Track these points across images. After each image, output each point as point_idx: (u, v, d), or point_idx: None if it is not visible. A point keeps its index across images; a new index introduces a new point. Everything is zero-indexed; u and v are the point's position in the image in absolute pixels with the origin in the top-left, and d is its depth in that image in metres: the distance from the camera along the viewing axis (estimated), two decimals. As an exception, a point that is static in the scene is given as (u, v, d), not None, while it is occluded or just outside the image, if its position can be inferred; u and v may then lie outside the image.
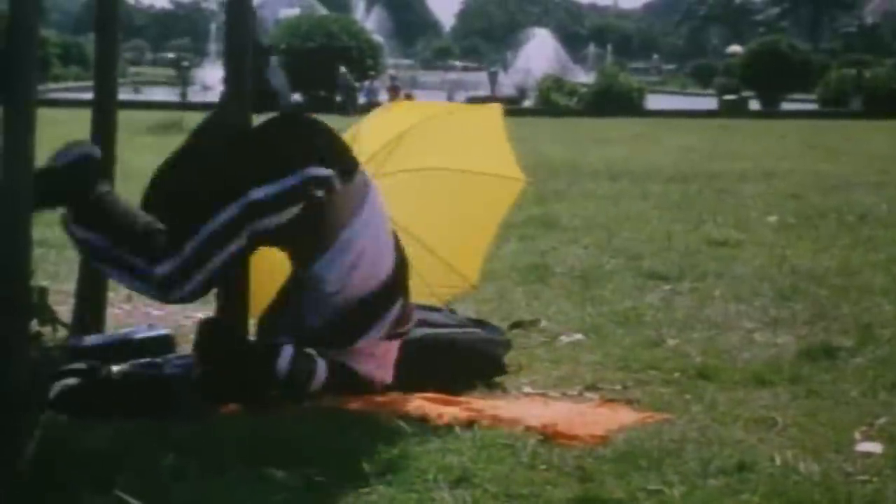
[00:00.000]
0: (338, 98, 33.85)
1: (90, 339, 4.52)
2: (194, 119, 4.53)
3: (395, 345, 4.38)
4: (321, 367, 4.17)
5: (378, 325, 4.28)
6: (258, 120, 4.35)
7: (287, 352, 4.14)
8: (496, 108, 5.49)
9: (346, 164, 4.26)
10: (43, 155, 3.46)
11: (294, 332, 4.23)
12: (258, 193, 4.04)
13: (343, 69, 34.77)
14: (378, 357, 4.33)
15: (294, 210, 4.07)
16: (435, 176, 5.30)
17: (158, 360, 4.34)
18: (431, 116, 5.48)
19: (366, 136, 5.04)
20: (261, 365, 4.14)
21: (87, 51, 38.88)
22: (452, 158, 5.32)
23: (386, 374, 4.34)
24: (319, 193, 4.10)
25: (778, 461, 3.57)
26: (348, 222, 4.21)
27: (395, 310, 4.32)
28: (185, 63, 43.22)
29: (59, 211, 4.12)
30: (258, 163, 4.15)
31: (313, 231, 4.19)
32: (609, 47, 66.88)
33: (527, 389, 4.51)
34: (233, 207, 4.02)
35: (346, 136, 4.75)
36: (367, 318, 4.26)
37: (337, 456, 3.50)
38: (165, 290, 4.08)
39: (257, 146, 4.23)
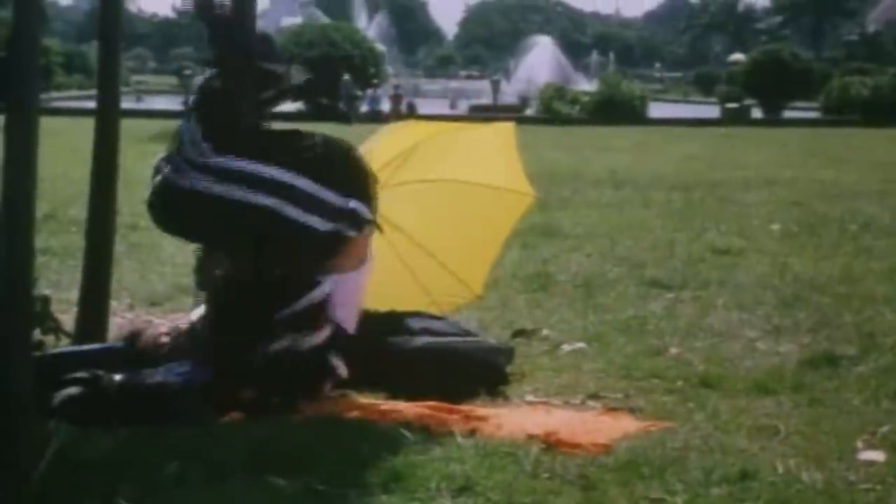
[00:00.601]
0: (340, 106, 33.86)
1: (92, 348, 4.51)
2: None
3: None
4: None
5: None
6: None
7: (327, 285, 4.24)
8: (509, 126, 5.54)
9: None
10: (44, 161, 3.44)
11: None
12: (310, 187, 4.19)
13: (346, 77, 34.79)
14: None
15: (317, 223, 4.19)
16: (444, 187, 5.32)
17: (160, 367, 4.34)
18: (444, 131, 5.54)
19: (379, 149, 5.07)
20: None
21: (90, 59, 38.91)
22: (462, 171, 5.36)
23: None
24: (352, 231, 4.27)
25: (781, 469, 3.57)
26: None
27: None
28: (188, 72, 43.29)
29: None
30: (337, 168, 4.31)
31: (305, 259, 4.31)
32: (611, 55, 66.87)
33: (529, 398, 4.50)
34: (284, 173, 4.18)
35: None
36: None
37: (339, 464, 3.51)
38: (175, 168, 4.24)
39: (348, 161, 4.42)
